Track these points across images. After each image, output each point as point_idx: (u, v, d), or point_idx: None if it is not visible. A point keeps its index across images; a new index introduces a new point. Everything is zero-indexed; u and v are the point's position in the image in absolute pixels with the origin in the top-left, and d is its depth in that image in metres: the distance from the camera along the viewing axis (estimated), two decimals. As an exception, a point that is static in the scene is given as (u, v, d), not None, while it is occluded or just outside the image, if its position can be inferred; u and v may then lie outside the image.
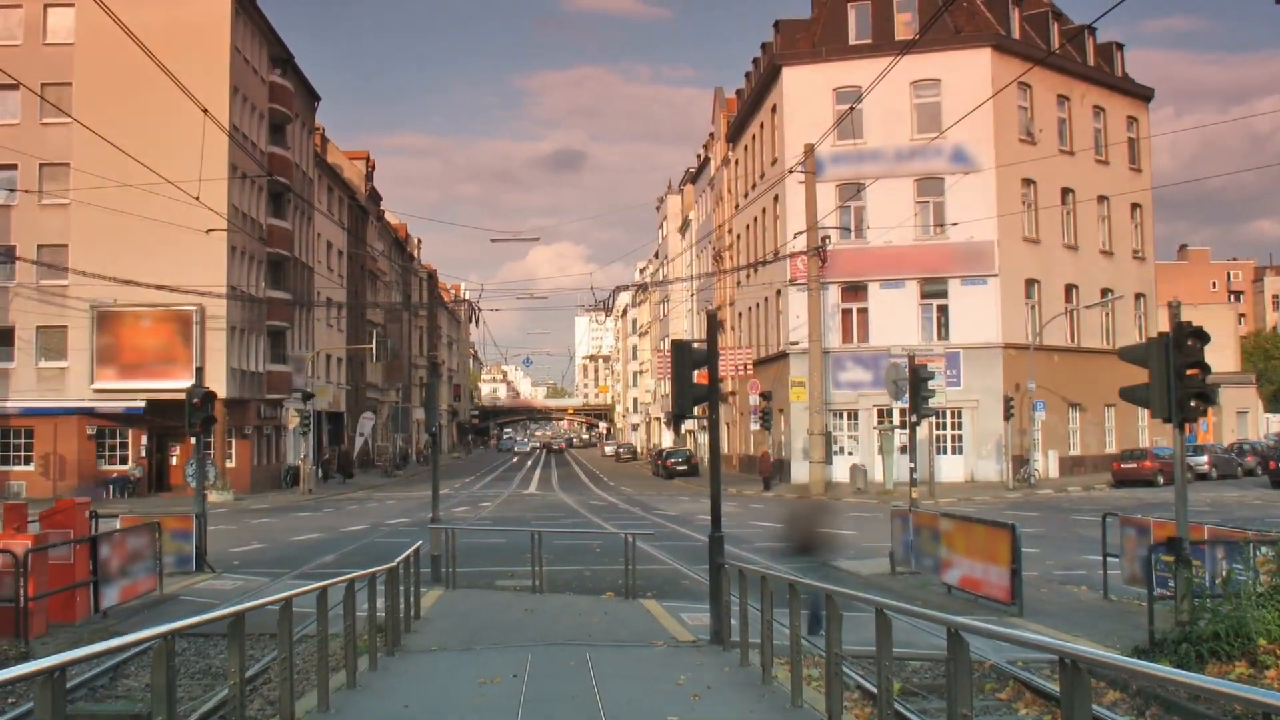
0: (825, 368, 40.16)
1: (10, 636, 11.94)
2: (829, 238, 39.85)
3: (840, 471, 40.57)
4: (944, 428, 41.07)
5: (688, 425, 63.09)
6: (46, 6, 41.92)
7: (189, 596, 15.73)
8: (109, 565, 14.19)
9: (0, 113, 41.39)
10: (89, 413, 40.98)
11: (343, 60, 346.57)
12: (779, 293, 45.25)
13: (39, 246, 41.01)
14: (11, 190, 41.13)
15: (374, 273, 73.02)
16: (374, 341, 65.26)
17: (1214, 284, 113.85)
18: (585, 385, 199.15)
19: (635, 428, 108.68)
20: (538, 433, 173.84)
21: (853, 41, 43.40)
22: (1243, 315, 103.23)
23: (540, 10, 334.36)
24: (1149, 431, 45.71)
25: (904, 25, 42.28)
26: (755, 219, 50.50)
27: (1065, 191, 44.40)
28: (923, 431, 32.11)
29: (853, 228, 42.22)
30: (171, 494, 40.74)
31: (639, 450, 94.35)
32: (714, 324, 12.68)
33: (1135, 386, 11.79)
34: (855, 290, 42.36)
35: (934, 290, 41.83)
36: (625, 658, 10.73)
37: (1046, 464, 42.02)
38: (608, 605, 14.52)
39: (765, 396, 44.85)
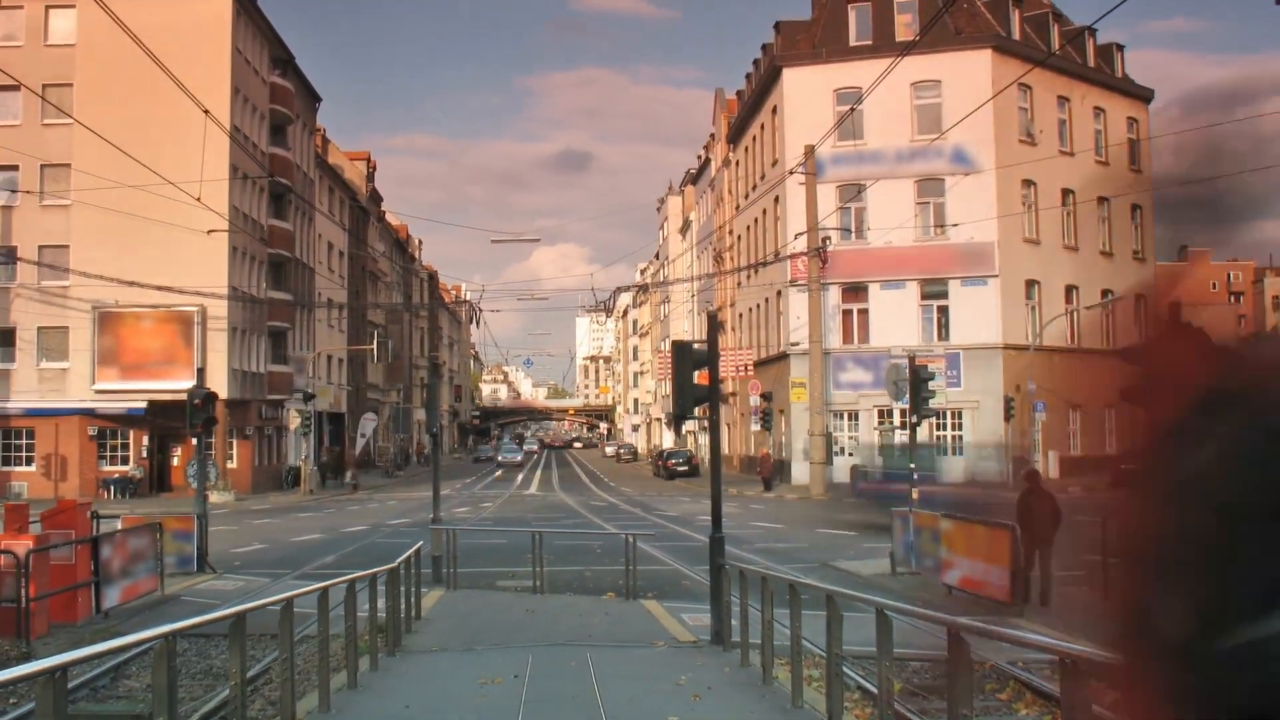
0: (826, 368, 40.18)
1: (12, 637, 11.96)
2: (829, 239, 39.87)
3: (841, 472, 40.55)
4: (944, 428, 41.06)
5: (688, 426, 63.09)
6: (48, 8, 41.97)
7: (190, 597, 15.74)
8: (110, 566, 14.21)
9: (2, 114, 41.43)
10: (90, 413, 40.99)
11: (351, 63, 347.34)
12: (779, 293, 45.24)
13: (40, 247, 41.04)
14: (13, 191, 41.18)
15: (375, 274, 73.05)
16: (375, 342, 65.32)
17: (1214, 285, 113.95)
18: (586, 386, 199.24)
19: (636, 428, 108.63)
20: (539, 433, 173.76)
21: (853, 43, 43.40)
22: (1243, 316, 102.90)
23: (550, 12, 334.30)
24: (1149, 432, 45.63)
25: (904, 26, 42.28)
26: (756, 220, 50.51)
27: (1065, 192, 44.41)
28: (923, 432, 32.10)
29: (853, 229, 42.22)
30: (173, 495, 40.73)
31: (640, 451, 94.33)
32: (714, 325, 12.69)
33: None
34: (856, 291, 42.36)
35: (934, 291, 41.83)
36: (626, 658, 10.74)
37: (1047, 465, 41.98)
38: (608, 606, 14.54)
39: (766, 397, 44.86)
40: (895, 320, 41.49)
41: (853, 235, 42.16)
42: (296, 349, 51.25)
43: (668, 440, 76.41)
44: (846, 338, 42.44)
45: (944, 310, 41.70)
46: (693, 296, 72.31)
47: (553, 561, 16.87)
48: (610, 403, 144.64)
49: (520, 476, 63.24)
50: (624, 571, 15.51)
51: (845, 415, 42.41)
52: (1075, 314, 44.65)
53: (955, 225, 40.37)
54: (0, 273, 41.96)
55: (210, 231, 38.44)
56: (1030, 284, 42.90)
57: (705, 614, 12.15)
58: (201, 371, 23.69)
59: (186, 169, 35.46)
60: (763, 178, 48.68)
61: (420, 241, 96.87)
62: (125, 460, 42.07)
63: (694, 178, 76.54)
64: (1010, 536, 13.70)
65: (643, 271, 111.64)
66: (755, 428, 47.47)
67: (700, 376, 12.28)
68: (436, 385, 20.72)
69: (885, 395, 33.66)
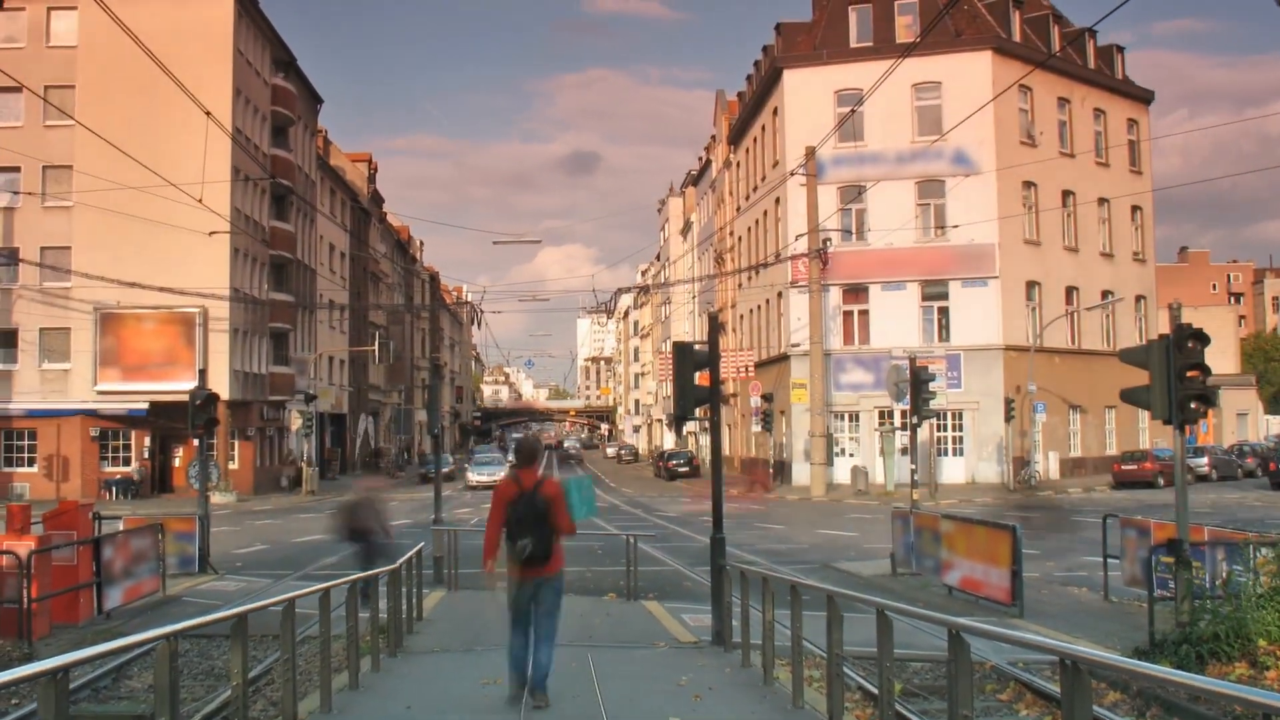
0: (826, 369, 40.21)
1: (14, 638, 11.97)
2: (830, 240, 39.89)
3: (841, 473, 40.62)
4: (945, 429, 41.07)
5: (689, 427, 63.07)
6: (50, 9, 42.01)
7: (192, 598, 15.76)
8: (112, 567, 14.23)
9: (3, 115, 41.48)
10: (92, 414, 41.04)
11: (353, 64, 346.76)
12: (780, 295, 45.26)
13: (42, 249, 41.09)
14: (15, 193, 41.24)
15: (376, 275, 73.08)
16: (376, 343, 65.32)
17: (1214, 286, 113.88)
18: (587, 387, 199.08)
19: (636, 429, 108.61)
20: (541, 434, 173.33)
21: (854, 44, 43.42)
22: (1243, 317, 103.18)
23: (557, 13, 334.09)
24: (1149, 433, 45.69)
25: (905, 28, 42.32)
26: (757, 221, 50.53)
27: (1066, 194, 44.42)
28: (924, 433, 32.12)
29: (854, 230, 42.23)
30: (174, 495, 40.77)
31: (640, 452, 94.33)
32: (715, 326, 12.69)
33: (1136, 388, 11.81)
34: (856, 292, 42.38)
35: (935, 292, 41.84)
36: (627, 658, 10.75)
37: (1047, 465, 42.02)
38: (609, 606, 14.55)
39: (766, 398, 44.87)
40: (896, 321, 41.51)
41: (853, 236, 42.18)
42: (298, 350, 51.28)
43: (668, 441, 76.41)
44: (847, 339, 42.46)
45: (944, 311, 41.71)
46: (694, 298, 72.34)
47: (554, 562, 16.84)
48: (611, 404, 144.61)
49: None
50: (625, 572, 15.53)
51: (846, 416, 42.42)
52: (1075, 315, 44.69)
53: (956, 226, 40.39)
54: (2, 274, 42.01)
55: (212, 233, 38.49)
56: (1031, 285, 42.91)
57: (706, 615, 12.16)
58: (203, 373, 23.69)
59: (188, 170, 35.50)
60: (763, 179, 48.70)
61: (421, 243, 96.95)
62: (127, 461, 42.11)
63: (695, 179, 76.55)
64: (1010, 537, 13.71)
65: (644, 273, 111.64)
66: (756, 429, 47.49)
67: (701, 378, 12.28)
68: (438, 386, 20.66)
69: (886, 396, 33.73)
